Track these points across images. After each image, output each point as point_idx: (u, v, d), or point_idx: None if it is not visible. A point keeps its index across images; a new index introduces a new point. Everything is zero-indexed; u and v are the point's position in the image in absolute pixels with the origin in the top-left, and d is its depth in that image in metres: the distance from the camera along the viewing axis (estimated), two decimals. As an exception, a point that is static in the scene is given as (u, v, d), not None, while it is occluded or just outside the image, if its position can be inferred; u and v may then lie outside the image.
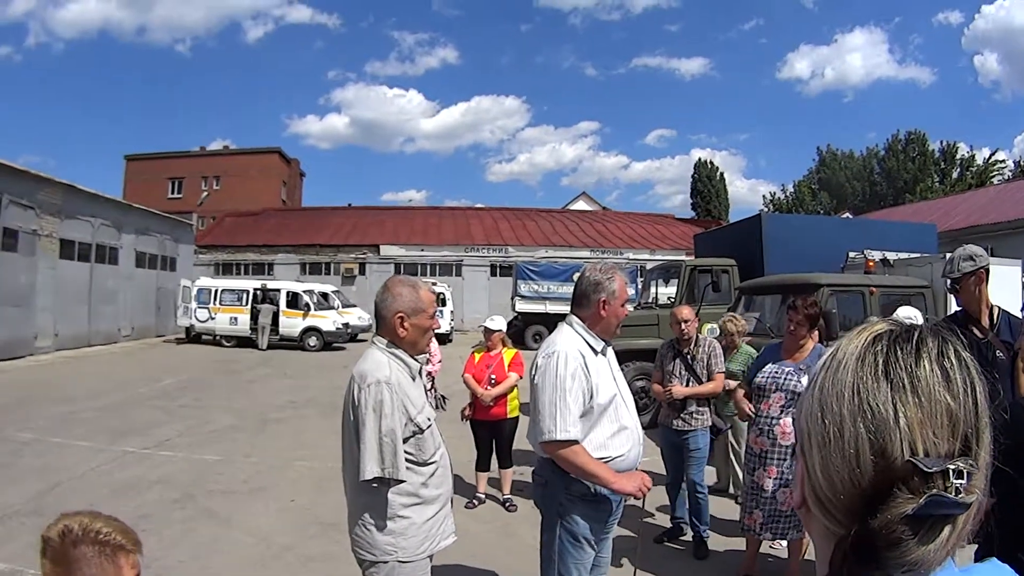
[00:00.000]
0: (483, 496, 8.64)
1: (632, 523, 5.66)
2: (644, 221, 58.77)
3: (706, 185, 73.35)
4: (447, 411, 9.07)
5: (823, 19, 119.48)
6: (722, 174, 75.58)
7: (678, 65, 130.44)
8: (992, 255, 21.77)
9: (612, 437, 3.99)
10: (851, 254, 14.11)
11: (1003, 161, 65.55)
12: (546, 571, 4.12)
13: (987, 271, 4.80)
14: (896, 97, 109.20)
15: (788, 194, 72.08)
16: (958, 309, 4.95)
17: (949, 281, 4.88)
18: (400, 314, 3.72)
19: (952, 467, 0.88)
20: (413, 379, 3.81)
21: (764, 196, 79.46)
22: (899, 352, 0.96)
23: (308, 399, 16.17)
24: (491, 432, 8.52)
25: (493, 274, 47.76)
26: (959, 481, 0.87)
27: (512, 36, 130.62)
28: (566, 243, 49.47)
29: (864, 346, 0.99)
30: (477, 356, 8.69)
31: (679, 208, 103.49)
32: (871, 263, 12.99)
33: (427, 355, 8.54)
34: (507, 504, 8.43)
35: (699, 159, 78.04)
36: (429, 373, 8.65)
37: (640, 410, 4.89)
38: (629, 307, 4.42)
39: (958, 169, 65.38)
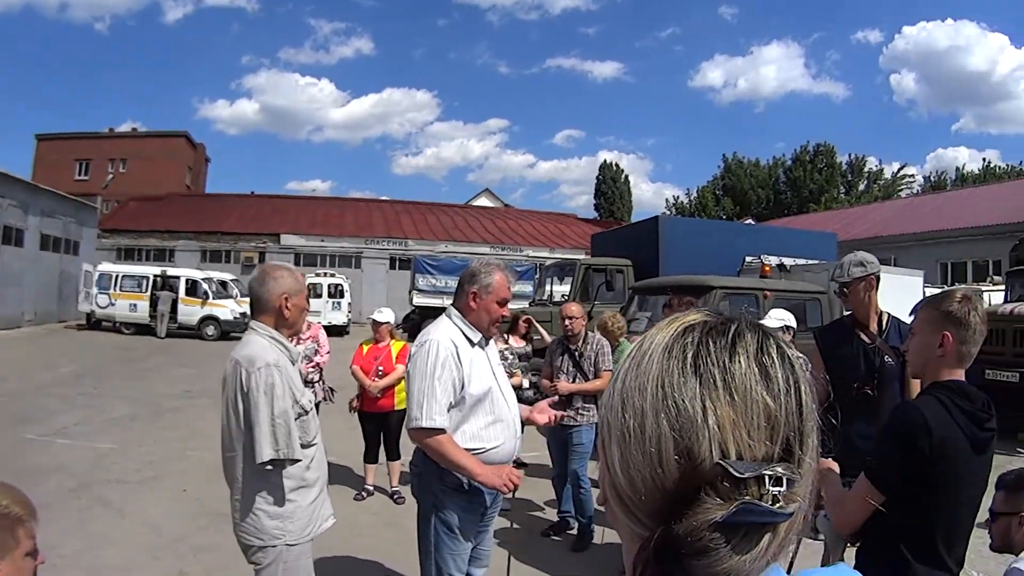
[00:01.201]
0: (372, 488, 8.74)
1: (519, 516, 5.91)
2: (546, 220, 59.63)
3: (610, 187, 74.38)
4: (335, 403, 9.16)
5: (741, 31, 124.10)
6: (627, 176, 76.92)
7: (592, 68, 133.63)
8: (895, 265, 22.42)
9: (486, 428, 4.05)
10: (748, 258, 14.55)
11: (912, 176, 68.24)
12: (424, 562, 4.17)
13: (877, 278, 4.85)
14: (808, 110, 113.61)
15: (692, 199, 73.33)
16: (847, 314, 5.02)
17: (838, 285, 4.93)
18: (285, 294, 3.83)
19: (769, 473, 0.80)
20: (292, 363, 3.88)
21: (667, 200, 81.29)
22: (712, 346, 0.88)
23: (203, 389, 16.04)
24: (379, 424, 8.59)
25: (392, 267, 47.69)
26: (776, 488, 0.80)
27: (429, 30, 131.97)
28: (466, 239, 49.73)
29: (673, 337, 0.91)
30: (365, 348, 8.81)
31: (583, 208, 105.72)
32: (767, 268, 13.37)
33: (316, 345, 8.59)
34: (395, 496, 8.54)
35: (605, 160, 79.63)
36: (317, 364, 8.70)
37: (533, 404, 4.93)
38: (512, 309, 4.62)
39: (865, 182, 67.27)
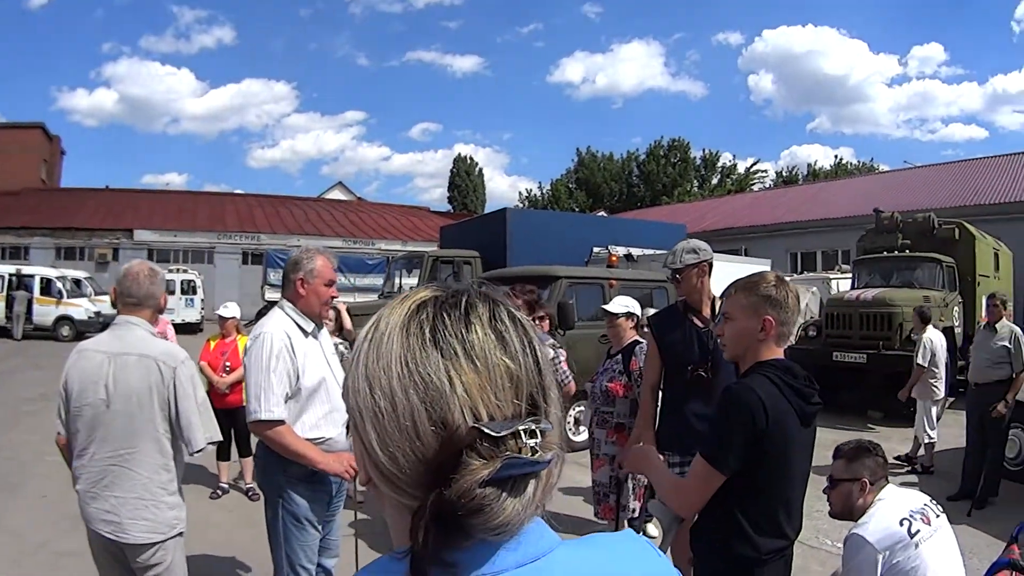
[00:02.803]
0: (226, 486, 8.78)
1: (369, 506, 6.00)
2: (398, 213, 59.85)
3: (464, 180, 74.80)
4: None
5: (603, 29, 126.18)
6: (480, 170, 77.60)
7: (452, 61, 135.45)
8: (745, 255, 23.14)
9: (324, 418, 4.19)
10: (596, 249, 14.83)
11: (764, 170, 70.83)
12: (275, 553, 4.24)
13: (710, 265, 5.02)
14: (666, 107, 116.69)
15: (545, 192, 73.93)
16: (680, 299, 5.14)
17: (671, 271, 5.05)
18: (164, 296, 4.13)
19: (523, 428, 0.88)
20: None
21: (520, 193, 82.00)
22: (447, 319, 0.94)
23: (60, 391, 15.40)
24: (228, 420, 8.34)
25: (245, 262, 46.83)
26: (532, 441, 0.88)
27: (291, 19, 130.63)
28: (319, 232, 49.28)
29: (408, 315, 0.97)
30: (212, 343, 8.93)
31: (437, 201, 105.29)
32: (614, 258, 13.68)
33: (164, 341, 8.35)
34: (250, 493, 8.58)
35: (459, 154, 79.99)
36: None
37: None
38: (340, 292, 4.78)
39: (718, 176, 68.95)
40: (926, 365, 10.37)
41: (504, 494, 0.86)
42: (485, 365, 0.91)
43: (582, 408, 9.98)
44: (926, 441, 10.32)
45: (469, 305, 0.96)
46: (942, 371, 10.53)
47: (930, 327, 10.78)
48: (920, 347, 10.53)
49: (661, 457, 4.06)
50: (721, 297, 3.39)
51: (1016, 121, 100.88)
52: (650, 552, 1.08)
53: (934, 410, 10.60)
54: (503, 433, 0.87)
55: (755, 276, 3.12)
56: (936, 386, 10.53)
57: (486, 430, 0.86)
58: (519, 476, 0.87)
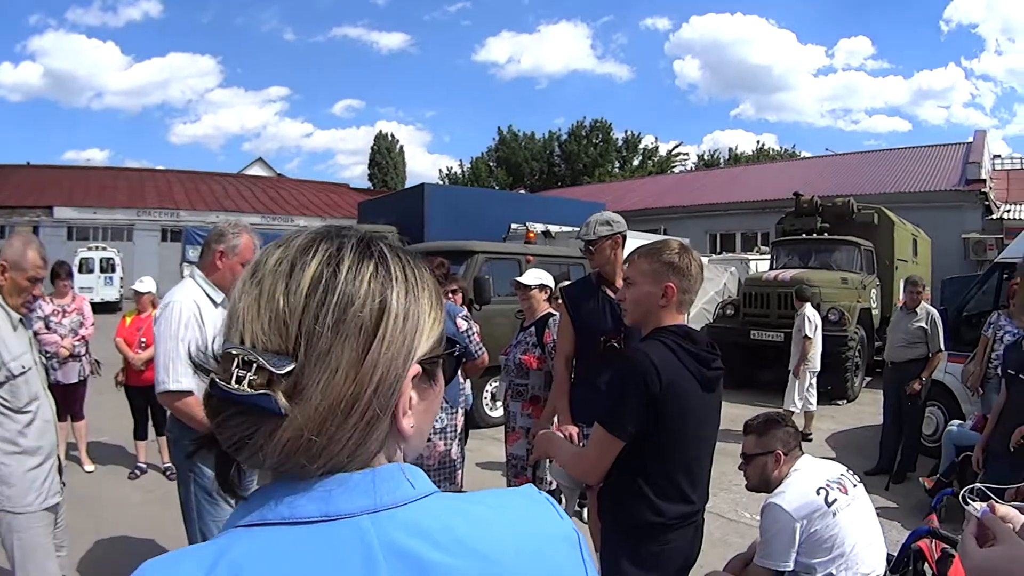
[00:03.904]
0: (144, 466, 8.69)
1: None
2: (318, 189, 59.91)
3: (385, 157, 74.26)
4: (102, 376, 9.05)
5: (531, 9, 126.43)
6: (401, 147, 76.86)
7: (378, 38, 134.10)
8: (664, 235, 23.55)
9: None
10: (513, 225, 14.93)
11: (686, 154, 71.49)
12: (189, 529, 4.24)
13: (624, 237, 5.07)
14: (591, 89, 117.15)
15: (465, 170, 73.56)
16: (594, 270, 5.15)
17: (584, 243, 5.09)
18: (3, 263, 3.95)
19: (235, 352, 0.88)
20: (14, 328, 3.95)
21: (440, 170, 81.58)
22: (278, 251, 0.98)
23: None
24: (145, 398, 8.36)
25: (165, 239, 46.15)
26: (242, 371, 0.87)
27: None
28: (238, 208, 48.94)
29: (274, 245, 1.00)
30: (128, 319, 8.83)
31: (358, 179, 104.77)
32: (532, 234, 13.84)
33: (80, 318, 8.52)
34: (167, 472, 8.37)
35: (380, 131, 79.10)
36: (83, 337, 8.59)
37: None
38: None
39: (640, 157, 69.25)
40: (812, 337, 11.06)
41: (224, 416, 0.88)
42: (263, 296, 0.92)
43: (498, 383, 9.95)
44: (794, 410, 10.95)
45: (315, 242, 0.97)
46: (818, 345, 11.29)
47: (807, 305, 11.43)
48: (805, 321, 11.14)
49: (576, 428, 4.11)
50: (624, 263, 3.40)
51: (939, 116, 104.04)
52: (550, 512, 1.05)
53: (807, 382, 11.30)
54: (226, 350, 0.89)
55: (659, 243, 3.14)
56: (811, 359, 11.28)
57: (225, 349, 0.90)
58: (228, 403, 0.87)
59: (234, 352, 0.87)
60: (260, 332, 0.90)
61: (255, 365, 0.86)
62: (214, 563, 0.85)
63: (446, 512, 0.94)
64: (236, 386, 0.85)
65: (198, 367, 0.92)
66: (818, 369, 11.46)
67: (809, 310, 11.33)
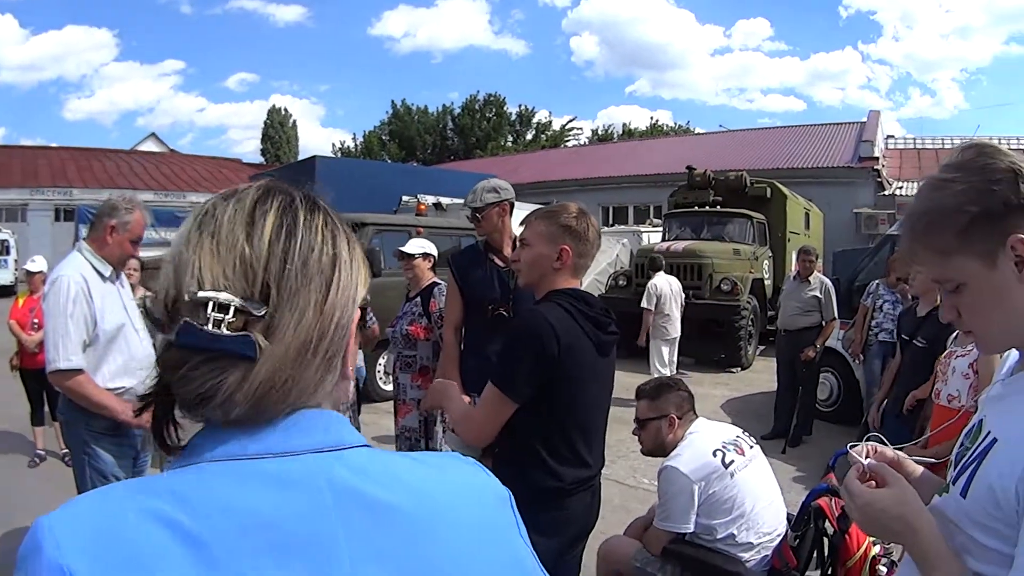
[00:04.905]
0: (43, 452, 8.39)
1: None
2: (211, 165, 58.68)
3: (278, 131, 73.53)
4: None
5: None
6: (295, 121, 76.01)
7: (275, 11, 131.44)
8: None
9: (123, 367, 4.10)
10: (404, 198, 15.01)
11: (580, 128, 72.00)
12: None
13: (511, 204, 5.06)
14: (487, 63, 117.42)
15: (358, 144, 73.17)
16: (482, 238, 5.15)
17: (471, 211, 5.07)
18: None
19: (210, 296, 0.88)
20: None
21: (333, 144, 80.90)
22: (230, 203, 0.97)
23: None
24: (40, 382, 8.00)
25: (58, 219, 44.66)
26: (219, 315, 0.87)
27: None
28: (131, 185, 46.99)
29: (220, 199, 1.00)
30: (21, 300, 8.63)
31: (251, 153, 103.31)
32: (423, 206, 13.77)
33: None
34: (66, 458, 7.82)
35: (273, 106, 78.14)
36: None
37: None
38: (142, 251, 4.71)
39: (533, 131, 69.49)
40: (652, 308, 11.49)
41: (208, 367, 0.87)
42: (222, 245, 0.92)
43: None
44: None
45: (268, 194, 0.98)
46: (674, 313, 11.73)
47: (659, 274, 11.89)
48: (645, 292, 11.63)
49: (467, 398, 3.97)
50: (521, 224, 3.33)
51: (835, 97, 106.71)
52: (482, 471, 1.08)
53: (665, 350, 11.80)
54: (198, 296, 0.88)
55: (557, 206, 3.11)
56: (666, 327, 11.73)
57: (187, 294, 0.88)
58: (199, 349, 0.87)
59: (209, 297, 0.87)
60: (222, 278, 0.90)
61: (232, 308, 0.87)
62: (157, 493, 0.85)
63: (386, 458, 0.98)
64: (216, 330, 0.86)
65: (154, 320, 0.92)
66: (675, 336, 11.82)
67: (659, 279, 11.76)
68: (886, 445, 1.79)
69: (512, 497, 1.07)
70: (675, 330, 11.77)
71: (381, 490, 0.92)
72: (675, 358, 12.03)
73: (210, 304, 0.86)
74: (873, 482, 1.60)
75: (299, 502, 0.87)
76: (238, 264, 0.90)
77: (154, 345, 5.78)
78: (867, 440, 1.83)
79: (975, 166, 1.45)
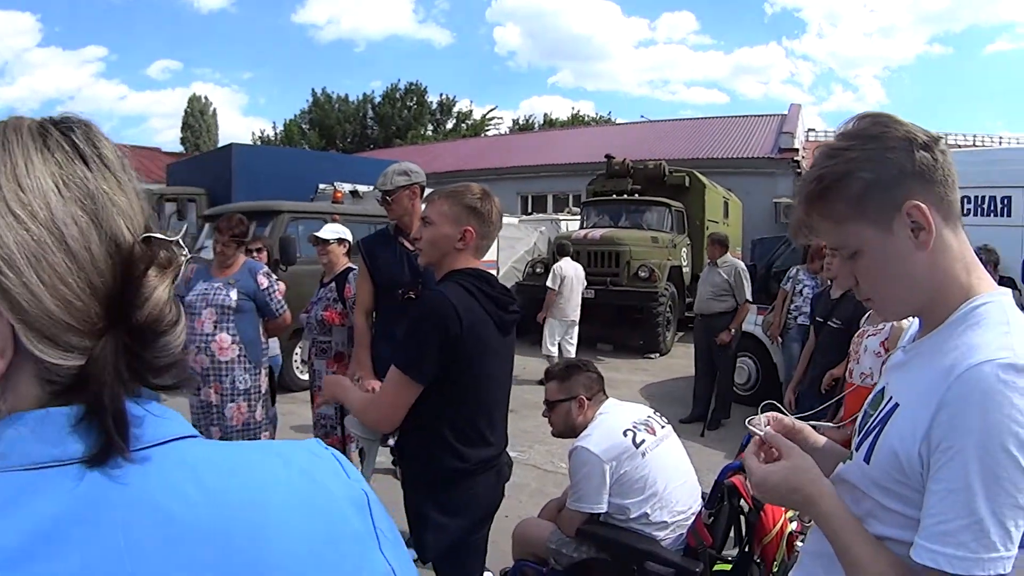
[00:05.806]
0: None
1: None
2: (128, 154, 56.23)
3: (198, 120, 72.20)
4: None
5: None
6: (215, 109, 74.50)
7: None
8: None
9: None
10: (321, 186, 14.90)
11: (500, 118, 72.04)
12: None
13: (422, 188, 5.08)
14: (409, 52, 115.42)
15: (278, 132, 72.50)
16: (392, 221, 5.17)
17: (381, 193, 5.08)
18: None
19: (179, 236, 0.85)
20: None
21: (253, 132, 79.93)
22: (75, 136, 0.85)
23: None
24: None
25: (-23, 209, 43.10)
26: (183, 252, 0.85)
27: None
28: (48, 177, 46.02)
29: (31, 136, 0.82)
30: None
31: (171, 143, 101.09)
32: (339, 193, 13.95)
33: None
34: None
35: (193, 94, 76.50)
36: None
37: None
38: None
39: (454, 120, 69.40)
40: (555, 288, 11.64)
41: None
42: (125, 179, 0.86)
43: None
44: (547, 354, 11.73)
45: (76, 125, 0.88)
46: (573, 298, 12.02)
47: (566, 259, 12.16)
48: (550, 273, 11.86)
49: (377, 383, 3.92)
50: (423, 202, 3.40)
51: (758, 90, 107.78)
52: (336, 469, 0.87)
53: (559, 330, 12.02)
54: (176, 237, 0.84)
55: (460, 186, 3.12)
56: (565, 308, 11.94)
57: (162, 236, 0.83)
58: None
59: (177, 236, 0.84)
60: (139, 219, 0.84)
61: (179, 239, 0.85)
62: None
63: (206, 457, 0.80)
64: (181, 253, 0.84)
65: (163, 265, 0.81)
66: (573, 319, 12.08)
67: (564, 263, 12.01)
68: (784, 414, 1.82)
69: (372, 499, 0.85)
70: (573, 313, 12.07)
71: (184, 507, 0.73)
72: (575, 340, 12.32)
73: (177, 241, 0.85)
74: (774, 451, 1.63)
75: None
76: (137, 201, 0.87)
77: None
78: (763, 409, 1.86)
79: (870, 134, 1.48)
